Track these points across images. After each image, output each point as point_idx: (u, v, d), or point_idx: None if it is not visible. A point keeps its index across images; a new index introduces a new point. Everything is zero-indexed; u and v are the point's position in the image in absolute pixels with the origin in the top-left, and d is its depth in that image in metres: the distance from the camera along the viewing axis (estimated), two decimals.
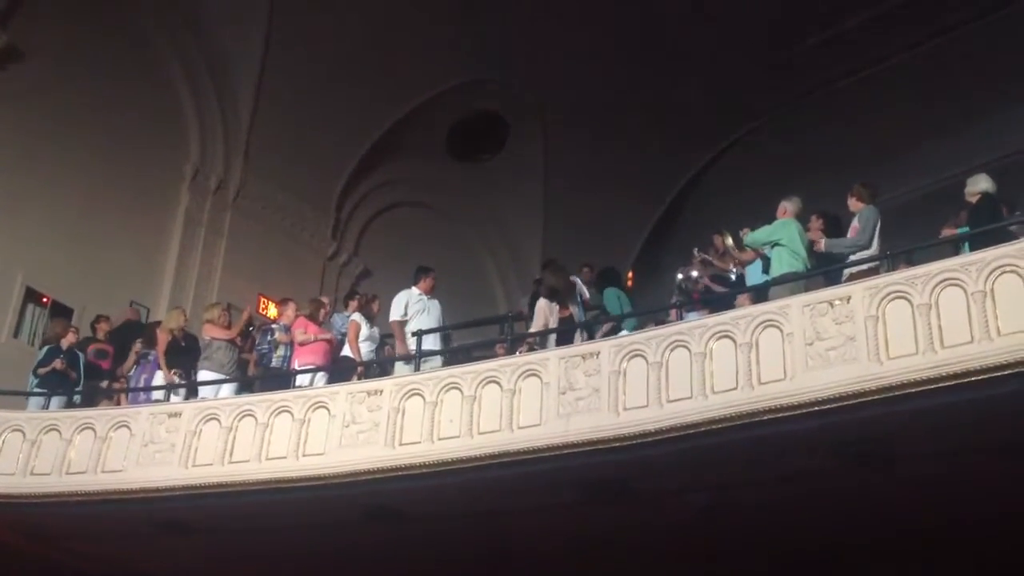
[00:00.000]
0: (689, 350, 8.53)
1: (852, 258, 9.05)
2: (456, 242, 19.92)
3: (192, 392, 11.36)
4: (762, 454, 8.25)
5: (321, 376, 11.05)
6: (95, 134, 15.17)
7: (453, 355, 11.26)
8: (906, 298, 7.78)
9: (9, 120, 14.11)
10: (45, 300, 14.33)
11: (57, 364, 11.77)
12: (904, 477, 8.30)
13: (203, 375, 11.41)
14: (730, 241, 10.94)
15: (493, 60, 17.85)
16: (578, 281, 11.21)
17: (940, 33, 17.18)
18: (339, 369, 11.20)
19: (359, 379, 10.71)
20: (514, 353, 9.99)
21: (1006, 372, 7.12)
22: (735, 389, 8.14)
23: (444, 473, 9.16)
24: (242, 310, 12.89)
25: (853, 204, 9.44)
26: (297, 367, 11.21)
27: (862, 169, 13.53)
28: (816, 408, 7.75)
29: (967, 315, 7.45)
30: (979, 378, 7.20)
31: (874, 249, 9.02)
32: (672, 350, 8.63)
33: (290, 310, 11.95)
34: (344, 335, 11.59)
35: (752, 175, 18.74)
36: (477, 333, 13.94)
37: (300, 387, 10.71)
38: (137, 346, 12.55)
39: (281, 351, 11.58)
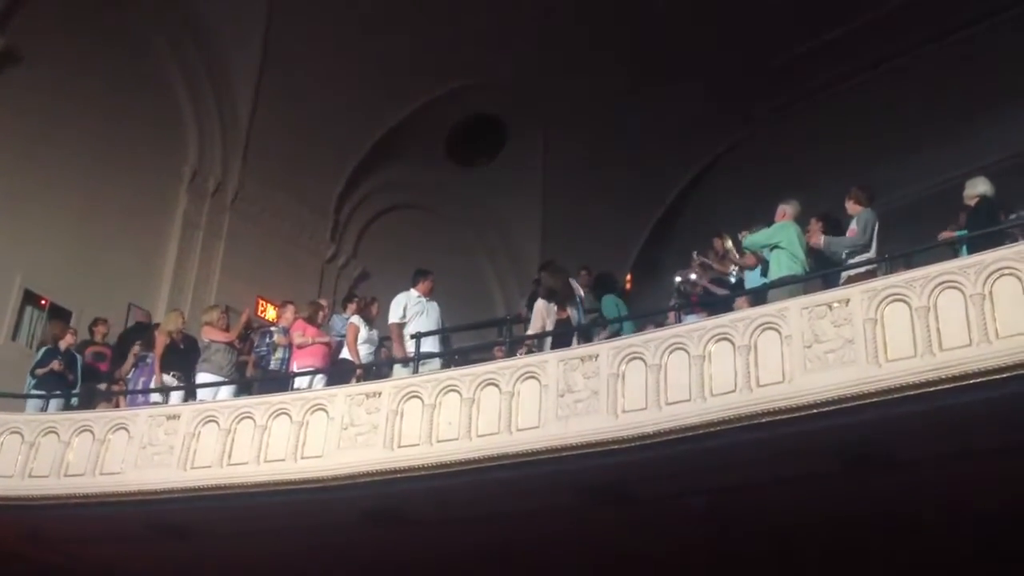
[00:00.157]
0: (688, 352, 8.54)
1: (850, 261, 9.06)
2: (455, 244, 19.90)
3: (191, 394, 11.35)
4: (761, 456, 8.25)
5: (320, 378, 11.06)
6: (93, 137, 15.18)
7: (452, 357, 11.26)
8: (904, 301, 7.78)
9: (7, 123, 14.11)
10: (43, 302, 14.32)
11: (55, 365, 11.76)
12: (903, 479, 8.30)
13: (202, 377, 11.41)
14: (730, 244, 10.95)
15: (492, 62, 17.84)
16: (575, 283, 11.20)
17: (939, 37, 17.21)
18: (338, 371, 11.20)
19: (358, 381, 10.70)
20: (513, 356, 9.98)
21: (1005, 375, 7.13)
22: (734, 392, 8.14)
23: (443, 475, 9.16)
24: (241, 312, 12.86)
25: (851, 207, 9.45)
26: (296, 369, 11.22)
27: (861, 172, 13.57)
28: (814, 411, 7.75)
29: (965, 318, 7.46)
30: (978, 381, 7.21)
31: (872, 252, 9.03)
32: (671, 352, 8.63)
33: (289, 312, 11.95)
34: (343, 337, 11.59)
35: (751, 177, 18.75)
36: (476, 336, 13.93)
37: (299, 389, 10.71)
38: (136, 348, 12.55)
39: (280, 353, 11.59)
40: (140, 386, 11.93)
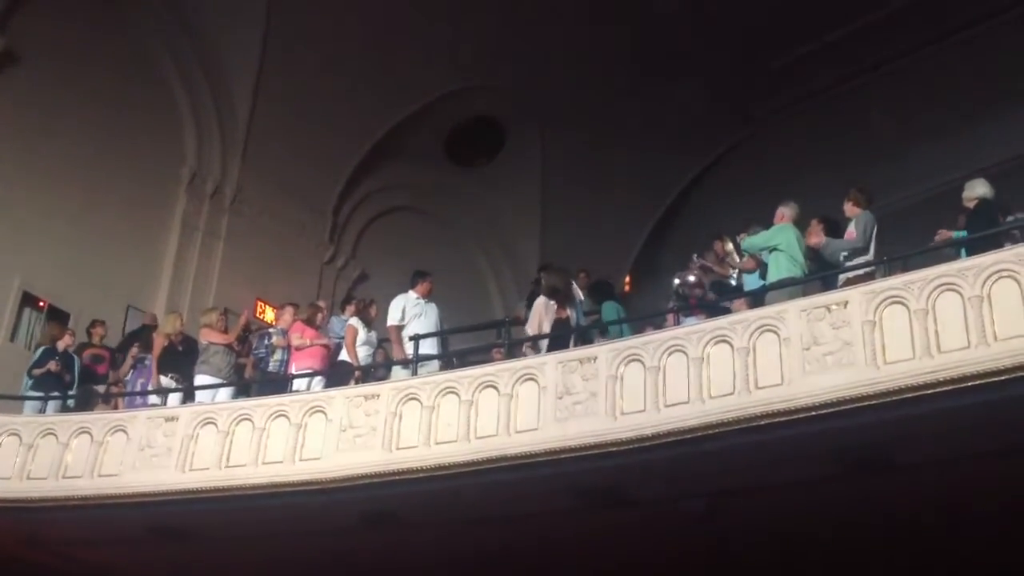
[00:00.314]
0: (686, 355, 8.53)
1: (849, 263, 9.05)
2: (454, 246, 19.92)
3: (189, 396, 11.34)
4: (759, 459, 8.23)
5: (318, 380, 11.05)
6: (92, 138, 15.18)
7: (450, 359, 11.24)
8: (903, 303, 7.77)
9: (5, 124, 14.11)
10: (42, 304, 14.32)
11: (52, 366, 11.77)
12: (902, 482, 8.28)
13: (200, 379, 11.40)
14: (731, 246, 10.93)
15: (492, 63, 17.85)
16: (575, 286, 11.18)
17: (939, 39, 17.21)
18: (336, 373, 11.20)
19: (356, 383, 10.69)
20: (512, 357, 9.97)
21: (1003, 377, 7.12)
22: (732, 394, 8.13)
23: (441, 478, 9.14)
24: (239, 314, 12.86)
25: (849, 208, 9.44)
26: (294, 371, 11.21)
27: (861, 173, 13.56)
28: (813, 413, 7.75)
29: (964, 320, 7.45)
30: (976, 383, 7.20)
31: (871, 254, 9.02)
32: (669, 355, 8.62)
33: (287, 314, 11.96)
34: (341, 339, 11.58)
35: (750, 178, 18.77)
36: (475, 338, 13.93)
37: (297, 391, 10.71)
38: (134, 350, 12.55)
39: (278, 355, 11.59)
40: (138, 388, 11.93)
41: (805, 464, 8.26)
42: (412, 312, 11.18)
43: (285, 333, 11.68)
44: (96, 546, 11.15)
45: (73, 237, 14.76)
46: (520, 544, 10.10)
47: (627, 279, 20.39)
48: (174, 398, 11.41)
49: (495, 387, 9.27)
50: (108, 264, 15.06)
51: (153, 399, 11.54)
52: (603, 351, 9.01)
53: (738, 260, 10.75)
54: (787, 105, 19.13)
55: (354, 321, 11.57)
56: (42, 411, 11.51)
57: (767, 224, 9.84)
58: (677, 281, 11.05)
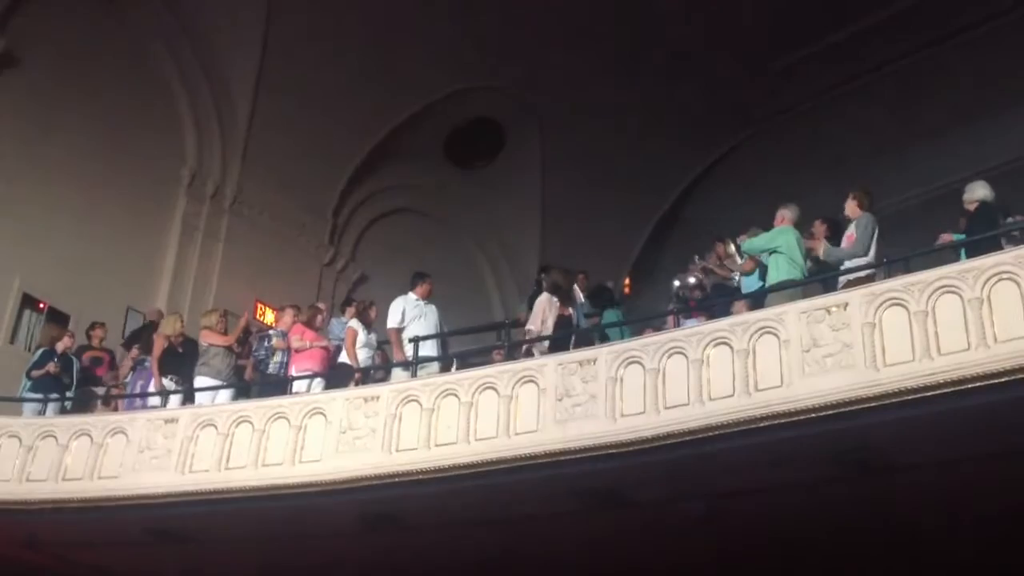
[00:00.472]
0: (686, 357, 8.52)
1: (849, 265, 9.04)
2: (453, 248, 19.92)
3: (189, 398, 11.34)
4: (759, 461, 8.23)
5: (318, 382, 11.04)
6: (92, 139, 15.18)
7: (450, 361, 11.23)
8: (903, 305, 7.77)
9: (5, 125, 14.12)
10: (41, 306, 14.32)
11: (50, 368, 11.76)
12: (902, 484, 8.28)
13: (200, 381, 11.38)
14: (732, 248, 10.92)
15: (492, 64, 17.85)
16: (576, 288, 11.18)
17: (940, 40, 17.20)
18: (336, 375, 11.19)
19: (356, 385, 10.68)
20: (512, 359, 9.96)
21: (1003, 379, 7.12)
22: (732, 396, 8.13)
23: (441, 480, 9.14)
24: (239, 316, 12.84)
25: (852, 209, 9.40)
26: (294, 373, 11.20)
27: (861, 175, 13.54)
28: (813, 415, 7.74)
29: (964, 322, 7.45)
30: (976, 385, 7.20)
31: (871, 256, 9.01)
32: (669, 357, 8.62)
33: (287, 316, 11.94)
34: (341, 341, 11.58)
35: (751, 179, 18.76)
36: (474, 339, 13.92)
37: (297, 393, 10.70)
38: (134, 352, 12.53)
39: (278, 357, 11.57)
40: (138, 390, 11.92)
41: (805, 466, 8.25)
42: (412, 314, 11.18)
43: (285, 335, 11.67)
44: (96, 548, 11.15)
45: (73, 238, 14.75)
46: (520, 546, 10.10)
47: (627, 280, 20.37)
48: (174, 400, 11.40)
49: (495, 389, 9.27)
50: (108, 266, 15.06)
51: (153, 401, 11.52)
52: (603, 353, 9.01)
53: (739, 262, 10.74)
54: (788, 106, 19.11)
55: (354, 323, 11.56)
56: (42, 413, 11.51)
57: (766, 226, 9.83)
58: (677, 283, 11.05)
